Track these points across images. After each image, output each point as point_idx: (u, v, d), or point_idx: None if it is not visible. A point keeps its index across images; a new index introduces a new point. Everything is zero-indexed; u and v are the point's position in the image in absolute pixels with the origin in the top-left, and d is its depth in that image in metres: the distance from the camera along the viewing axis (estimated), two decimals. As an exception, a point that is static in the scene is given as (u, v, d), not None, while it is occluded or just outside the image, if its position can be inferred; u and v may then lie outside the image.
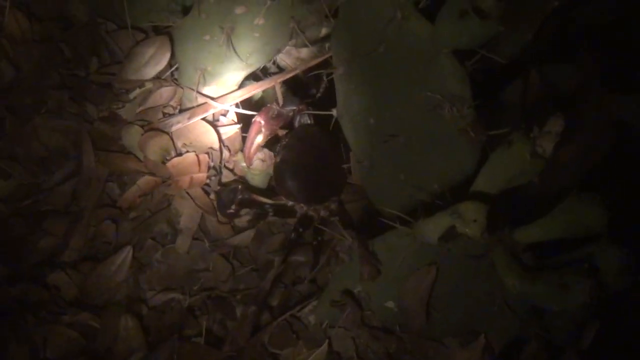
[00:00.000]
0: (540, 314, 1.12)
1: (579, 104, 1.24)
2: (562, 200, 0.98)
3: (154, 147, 1.41)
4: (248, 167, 1.41)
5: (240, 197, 1.35)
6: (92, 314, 1.26)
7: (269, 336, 1.26)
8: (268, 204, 1.38)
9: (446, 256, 1.10)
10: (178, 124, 1.43)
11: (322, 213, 1.39)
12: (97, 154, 1.41)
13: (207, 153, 1.44)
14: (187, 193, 1.41)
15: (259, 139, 1.39)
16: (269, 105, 1.40)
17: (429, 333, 1.20)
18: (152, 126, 1.42)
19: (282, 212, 1.40)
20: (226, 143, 1.47)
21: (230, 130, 1.46)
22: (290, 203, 1.39)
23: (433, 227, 1.04)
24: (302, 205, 1.39)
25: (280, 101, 1.45)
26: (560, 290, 0.96)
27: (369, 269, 1.14)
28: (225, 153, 1.47)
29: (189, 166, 1.41)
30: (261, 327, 1.27)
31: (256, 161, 1.41)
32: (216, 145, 1.45)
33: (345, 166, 1.37)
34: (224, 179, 1.46)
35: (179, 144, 1.44)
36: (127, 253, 1.33)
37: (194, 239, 1.39)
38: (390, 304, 1.19)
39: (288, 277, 1.36)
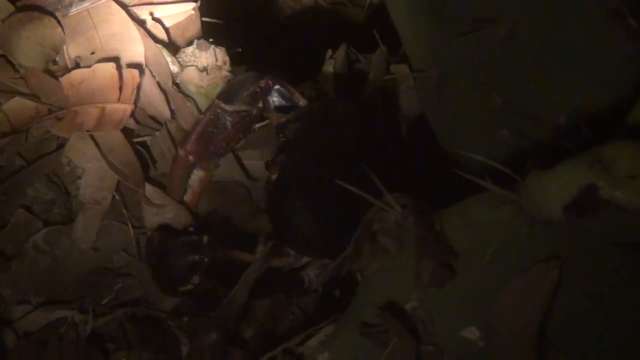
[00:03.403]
0: None
1: None
2: None
3: (30, 42, 1.41)
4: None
5: (207, 259, 1.32)
6: None
7: (243, 390, 1.23)
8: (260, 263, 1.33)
9: (579, 245, 1.06)
10: (82, 4, 1.43)
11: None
12: None
13: (137, 66, 1.44)
14: (93, 139, 1.40)
15: (196, 175, 1.42)
16: (202, 115, 1.43)
17: (545, 392, 1.18)
18: (29, 2, 1.43)
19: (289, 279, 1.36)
20: (172, 38, 1.48)
21: (179, 13, 1.48)
22: (304, 260, 1.36)
23: (556, 188, 1.01)
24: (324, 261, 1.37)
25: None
26: None
27: (433, 266, 1.10)
28: (169, 64, 1.46)
29: (103, 89, 1.43)
30: (229, 373, 1.26)
31: (192, 71, 1.43)
32: (149, 50, 1.44)
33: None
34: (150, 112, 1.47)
35: (81, 47, 1.44)
36: (-21, 232, 1.36)
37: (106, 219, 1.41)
38: (471, 333, 1.13)
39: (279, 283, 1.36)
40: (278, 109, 1.41)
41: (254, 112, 1.42)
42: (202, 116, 1.42)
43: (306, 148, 1.36)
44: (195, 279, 1.32)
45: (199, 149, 1.38)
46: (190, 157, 1.38)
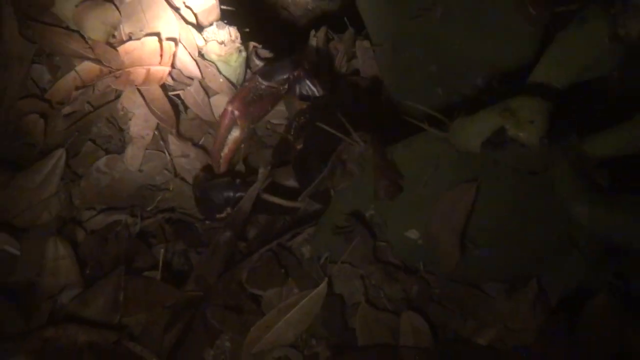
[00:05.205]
0: (615, 255, 1.13)
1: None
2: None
3: (96, 21, 1.42)
4: (217, 172, 1.43)
5: (237, 196, 1.34)
6: (10, 236, 1.26)
7: (247, 272, 1.26)
8: (281, 206, 1.35)
9: (491, 171, 1.09)
10: (132, -11, 1.39)
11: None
12: (24, 24, 1.41)
13: (173, 40, 1.45)
14: (140, 92, 1.42)
15: (234, 134, 1.41)
16: (246, 82, 1.43)
17: (464, 275, 1.19)
18: (95, -8, 1.38)
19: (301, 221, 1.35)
20: (199, 20, 1.47)
21: (204, 2, 1.48)
22: (316, 207, 1.35)
23: (475, 129, 1.04)
24: None
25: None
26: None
27: (386, 184, 1.13)
28: (196, 38, 1.47)
29: (148, 55, 1.43)
30: (237, 260, 1.28)
31: (213, 44, 1.45)
32: (182, 29, 1.45)
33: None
34: (185, 73, 1.47)
35: (133, 25, 1.45)
36: (58, 158, 1.34)
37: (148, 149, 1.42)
38: (412, 234, 1.19)
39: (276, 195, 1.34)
40: (301, 97, 1.43)
41: (281, 90, 1.43)
42: (246, 84, 1.42)
43: (316, 126, 1.32)
44: (228, 210, 1.34)
45: (242, 107, 1.38)
46: (236, 112, 1.38)
